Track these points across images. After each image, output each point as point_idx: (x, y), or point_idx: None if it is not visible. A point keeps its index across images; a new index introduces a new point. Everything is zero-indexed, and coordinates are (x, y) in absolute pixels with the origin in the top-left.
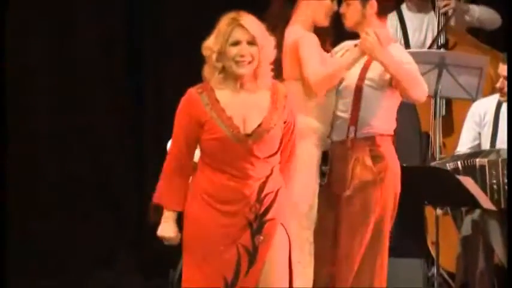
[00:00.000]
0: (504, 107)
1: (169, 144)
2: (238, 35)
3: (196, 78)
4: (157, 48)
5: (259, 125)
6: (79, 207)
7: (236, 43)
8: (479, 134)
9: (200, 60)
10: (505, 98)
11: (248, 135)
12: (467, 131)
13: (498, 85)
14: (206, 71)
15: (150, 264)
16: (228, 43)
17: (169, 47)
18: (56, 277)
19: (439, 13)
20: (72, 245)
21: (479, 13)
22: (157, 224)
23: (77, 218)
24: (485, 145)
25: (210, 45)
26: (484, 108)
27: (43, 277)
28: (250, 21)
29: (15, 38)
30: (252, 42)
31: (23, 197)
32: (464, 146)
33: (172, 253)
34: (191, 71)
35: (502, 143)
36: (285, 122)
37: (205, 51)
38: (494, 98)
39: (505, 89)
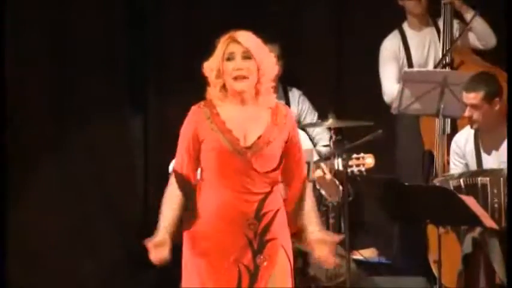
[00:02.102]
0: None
1: (171, 167)
2: (233, 49)
3: (197, 86)
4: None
5: (259, 138)
6: (79, 213)
7: (231, 58)
8: (467, 164)
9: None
10: (475, 126)
11: (248, 148)
12: (455, 166)
13: (466, 114)
14: (208, 91)
15: (151, 284)
16: (224, 59)
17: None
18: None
19: (444, 33)
20: (72, 257)
21: (478, 23)
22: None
23: (77, 231)
24: None
25: (209, 64)
26: (462, 139)
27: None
28: (245, 36)
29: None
30: (247, 56)
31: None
32: None
33: (174, 273)
34: (193, 78)
35: (486, 166)
36: (286, 142)
37: (205, 71)
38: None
39: (473, 117)
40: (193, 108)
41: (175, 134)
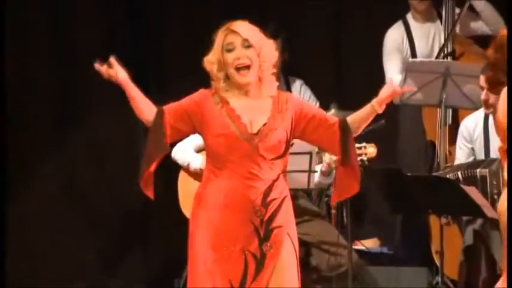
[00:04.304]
0: (491, 118)
1: (174, 152)
2: (232, 39)
3: (198, 83)
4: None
5: (264, 125)
6: (81, 213)
7: (231, 49)
8: (473, 149)
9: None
10: (490, 110)
11: (254, 134)
12: (460, 149)
13: (482, 97)
14: (213, 85)
15: (154, 274)
16: (223, 50)
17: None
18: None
19: (446, 22)
20: (74, 253)
21: (485, 6)
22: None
23: (79, 225)
24: (480, 158)
25: (209, 58)
26: (472, 124)
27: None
28: (242, 26)
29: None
30: (247, 46)
31: (21, 200)
32: (459, 162)
33: (178, 262)
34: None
35: (495, 154)
36: (291, 125)
37: (206, 65)
38: (481, 111)
39: (490, 101)
40: (205, 90)
41: None
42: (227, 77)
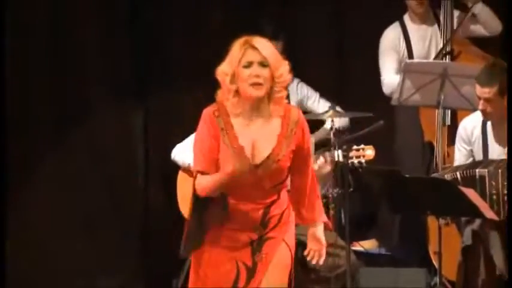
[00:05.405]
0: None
1: (173, 153)
2: (250, 56)
3: (198, 84)
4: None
5: (268, 156)
6: (81, 213)
7: (248, 65)
8: (471, 151)
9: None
10: (488, 118)
11: (257, 166)
12: (459, 151)
13: (480, 107)
14: (220, 95)
15: (153, 273)
16: (240, 65)
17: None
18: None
19: (445, 24)
20: (73, 253)
21: (482, 10)
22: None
23: (79, 225)
24: (478, 160)
25: (224, 69)
26: (470, 125)
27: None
28: (262, 43)
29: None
30: (264, 64)
31: (22, 200)
32: (458, 164)
33: (175, 262)
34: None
35: (493, 155)
36: (294, 150)
37: (219, 76)
38: (479, 113)
39: (487, 109)
40: (208, 114)
41: (175, 132)
42: (237, 92)
